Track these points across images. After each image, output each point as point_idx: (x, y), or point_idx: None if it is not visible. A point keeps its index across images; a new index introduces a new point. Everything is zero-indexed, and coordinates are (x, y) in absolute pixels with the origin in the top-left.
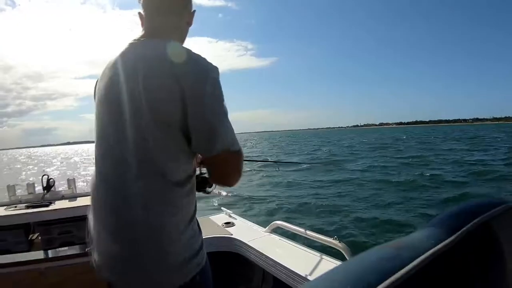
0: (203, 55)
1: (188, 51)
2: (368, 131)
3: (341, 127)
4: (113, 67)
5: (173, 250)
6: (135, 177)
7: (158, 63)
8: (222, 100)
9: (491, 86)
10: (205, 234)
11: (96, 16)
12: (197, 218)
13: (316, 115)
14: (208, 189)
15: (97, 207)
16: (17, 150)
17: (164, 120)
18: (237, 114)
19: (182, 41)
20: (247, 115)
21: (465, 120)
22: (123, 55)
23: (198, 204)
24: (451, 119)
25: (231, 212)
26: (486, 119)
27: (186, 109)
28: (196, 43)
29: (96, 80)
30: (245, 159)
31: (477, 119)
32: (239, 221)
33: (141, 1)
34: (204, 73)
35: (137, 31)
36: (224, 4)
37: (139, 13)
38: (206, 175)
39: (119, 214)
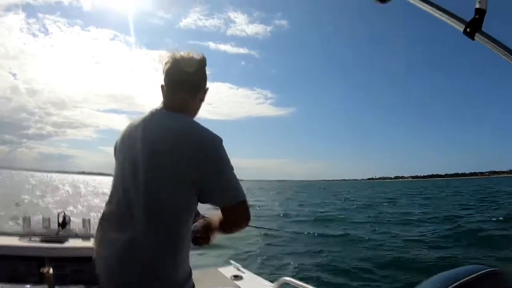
0: (224, 101)
1: (199, 126)
2: (381, 184)
3: (356, 179)
4: (135, 132)
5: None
6: (146, 233)
7: (175, 135)
8: (229, 162)
9: (506, 137)
10: (213, 286)
11: (123, 53)
12: (205, 269)
13: (331, 167)
14: (203, 243)
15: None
16: (32, 172)
17: (178, 184)
18: (251, 161)
19: (195, 114)
20: (261, 163)
21: (481, 173)
22: (144, 122)
23: (207, 257)
24: (467, 172)
25: (240, 265)
26: (503, 172)
27: (200, 174)
28: (218, 89)
29: (117, 140)
30: (250, 225)
31: (494, 172)
32: (248, 275)
33: (164, 77)
34: (212, 144)
35: (159, 102)
36: (247, 52)
37: (162, 85)
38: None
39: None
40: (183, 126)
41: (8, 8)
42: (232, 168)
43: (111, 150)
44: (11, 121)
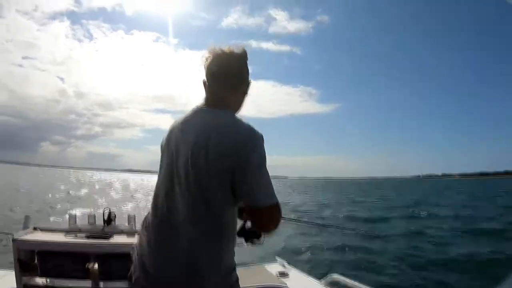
0: (268, 99)
1: (240, 122)
2: (426, 183)
3: (403, 176)
4: (178, 130)
5: (216, 279)
6: (190, 218)
7: (216, 132)
8: (265, 163)
9: None
10: (258, 283)
11: (166, 54)
12: (251, 266)
13: (376, 163)
14: (256, 241)
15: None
16: (82, 171)
17: (219, 179)
18: (296, 158)
19: (238, 109)
20: (306, 160)
21: None
22: (188, 120)
23: (252, 252)
24: None
25: (286, 261)
26: None
27: (237, 171)
28: (262, 87)
29: (163, 138)
30: (285, 217)
31: None
32: (294, 272)
33: (206, 72)
34: (253, 142)
35: (201, 98)
36: (289, 49)
37: (204, 81)
38: (253, 228)
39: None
40: (223, 122)
41: (53, 17)
42: (267, 170)
43: (156, 148)
44: (60, 123)
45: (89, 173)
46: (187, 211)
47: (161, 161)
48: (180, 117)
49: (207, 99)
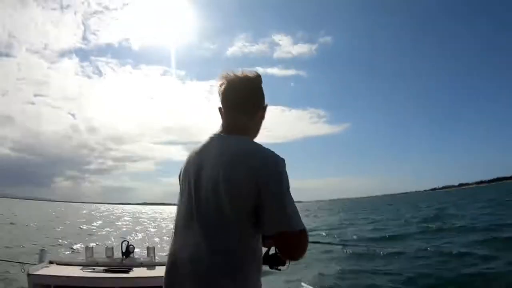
0: (278, 124)
1: (260, 148)
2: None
3: (418, 191)
4: (195, 158)
5: None
6: (210, 254)
7: (235, 159)
8: (289, 188)
9: None
10: None
11: (175, 86)
12: None
13: (391, 180)
14: (281, 267)
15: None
16: (97, 205)
17: (240, 208)
18: (310, 181)
19: (256, 134)
20: (320, 182)
21: None
22: (205, 148)
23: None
24: None
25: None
26: None
27: (258, 197)
28: (271, 112)
29: (181, 168)
30: (312, 241)
31: None
32: None
33: (221, 99)
34: (274, 168)
35: (217, 126)
36: (295, 73)
37: (219, 108)
38: (278, 253)
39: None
40: (242, 148)
41: (62, 54)
42: (291, 194)
43: (169, 180)
44: (73, 158)
45: (103, 207)
46: (207, 245)
47: (180, 193)
48: (197, 146)
49: (224, 126)
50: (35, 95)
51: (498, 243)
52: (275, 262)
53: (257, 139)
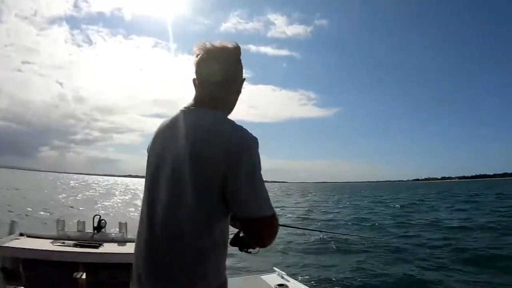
0: (267, 103)
1: (233, 124)
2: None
3: (402, 180)
4: (165, 132)
5: None
6: (173, 232)
7: (206, 136)
8: (260, 169)
9: None
10: None
11: (165, 59)
12: (248, 277)
13: (376, 168)
14: (251, 250)
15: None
16: (82, 176)
17: (207, 187)
18: (296, 163)
19: (231, 110)
20: (306, 165)
21: None
22: (175, 122)
23: (249, 263)
24: None
25: (284, 273)
26: None
27: (227, 178)
28: (261, 91)
29: (149, 143)
30: (282, 224)
31: None
32: (293, 283)
33: (195, 69)
34: (245, 146)
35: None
36: (288, 53)
37: (193, 79)
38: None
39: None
40: (212, 124)
41: (52, 21)
42: (261, 177)
43: None
44: (60, 128)
45: (87, 178)
46: (166, 219)
47: (147, 167)
48: (166, 119)
49: (197, 98)
50: (23, 62)
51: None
52: (245, 245)
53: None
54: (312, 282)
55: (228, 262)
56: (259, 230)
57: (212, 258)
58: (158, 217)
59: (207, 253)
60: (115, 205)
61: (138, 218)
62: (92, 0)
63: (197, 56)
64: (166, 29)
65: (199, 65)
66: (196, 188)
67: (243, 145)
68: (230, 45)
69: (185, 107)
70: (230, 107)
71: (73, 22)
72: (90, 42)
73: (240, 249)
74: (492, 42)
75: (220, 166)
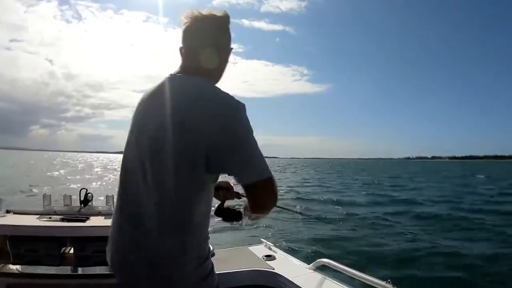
0: (260, 78)
1: (218, 91)
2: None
3: (393, 158)
4: (151, 99)
5: (181, 272)
6: (155, 203)
7: (192, 101)
8: (251, 132)
9: None
10: (244, 266)
11: (157, 34)
12: (235, 248)
13: (367, 145)
14: (235, 222)
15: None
16: (74, 153)
17: (191, 155)
18: (288, 139)
19: (218, 79)
20: (298, 141)
21: None
22: (160, 89)
23: (238, 233)
24: (507, 154)
25: (272, 244)
26: None
27: (214, 146)
28: (254, 66)
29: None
30: (278, 206)
31: None
32: (280, 254)
33: (182, 38)
34: (233, 112)
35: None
36: (282, 28)
37: (180, 48)
38: (239, 208)
39: (135, 235)
40: (198, 90)
41: None
42: (254, 140)
43: None
44: (50, 105)
45: (79, 155)
46: (148, 192)
47: (128, 138)
48: (151, 86)
49: (183, 67)
50: (11, 40)
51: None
52: (231, 216)
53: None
54: (299, 253)
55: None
56: (263, 193)
57: (194, 229)
58: (138, 189)
59: (188, 223)
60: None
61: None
62: None
63: (184, 24)
64: (157, 3)
65: (186, 33)
66: (180, 157)
67: (235, 110)
68: (218, 13)
69: (170, 74)
70: (217, 76)
71: None
72: (79, 17)
73: (224, 220)
74: (489, 23)
75: (206, 134)
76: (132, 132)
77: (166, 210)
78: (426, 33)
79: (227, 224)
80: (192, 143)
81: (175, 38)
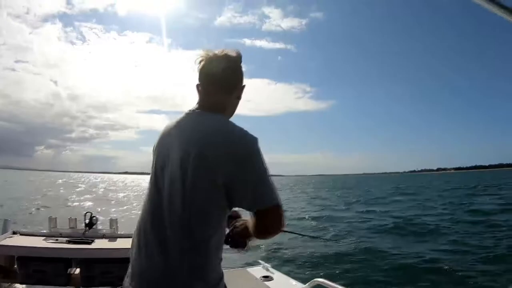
0: (263, 97)
1: (234, 126)
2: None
3: (398, 172)
4: (169, 133)
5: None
6: (175, 233)
7: (211, 136)
8: (264, 164)
9: None
10: (243, 287)
11: (160, 54)
12: (234, 270)
13: (374, 160)
14: (241, 249)
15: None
16: (78, 174)
17: (210, 185)
18: (292, 156)
19: (232, 113)
20: (302, 158)
21: None
22: (180, 124)
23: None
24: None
25: (269, 265)
26: None
27: (233, 175)
28: (256, 85)
29: (155, 143)
30: (287, 230)
31: None
32: (278, 275)
33: (199, 76)
34: (248, 146)
35: (194, 102)
36: (283, 46)
37: (197, 85)
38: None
39: (153, 258)
40: (215, 126)
41: (45, 19)
42: (266, 170)
43: (151, 149)
44: (54, 126)
45: (84, 176)
46: (171, 218)
47: (152, 166)
48: (173, 120)
49: (200, 103)
50: (16, 61)
51: None
52: (236, 243)
53: (238, 111)
54: (296, 273)
55: None
56: (267, 220)
57: (211, 251)
58: (164, 214)
59: (210, 249)
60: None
61: (122, 215)
62: None
63: (200, 63)
64: (160, 24)
65: (201, 73)
66: (201, 187)
67: (249, 143)
68: (231, 53)
69: (190, 110)
70: (231, 111)
71: (66, 19)
72: (83, 39)
73: (231, 247)
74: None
75: (222, 163)
76: (156, 164)
77: (185, 232)
78: (429, 48)
79: (233, 250)
80: (210, 169)
81: (178, 58)
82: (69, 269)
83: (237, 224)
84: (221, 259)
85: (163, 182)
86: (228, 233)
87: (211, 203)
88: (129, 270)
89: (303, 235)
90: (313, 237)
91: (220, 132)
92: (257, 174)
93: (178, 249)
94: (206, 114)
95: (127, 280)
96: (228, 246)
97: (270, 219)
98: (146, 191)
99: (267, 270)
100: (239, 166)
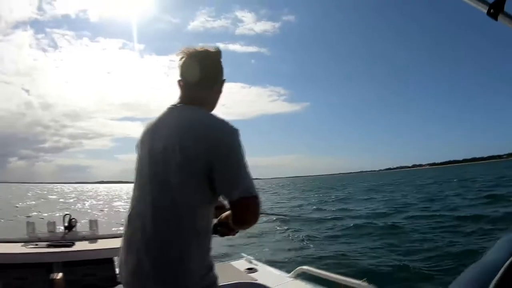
0: (237, 101)
1: (216, 118)
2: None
3: (374, 170)
4: (151, 128)
5: (187, 278)
6: (161, 226)
7: (191, 128)
8: (243, 155)
9: None
10: (228, 280)
11: (133, 61)
12: (218, 264)
13: (349, 160)
14: (232, 235)
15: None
16: (52, 185)
17: (193, 175)
18: (268, 159)
19: (213, 107)
20: (279, 160)
21: (499, 156)
22: (162, 118)
23: (219, 250)
24: (485, 156)
25: (252, 258)
26: None
27: (212, 166)
28: (230, 89)
29: (138, 139)
30: (262, 212)
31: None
32: (261, 267)
33: (180, 72)
34: (227, 134)
35: (176, 96)
36: (257, 50)
37: (178, 81)
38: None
39: (142, 252)
40: (196, 119)
41: (16, 26)
42: (246, 163)
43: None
44: (27, 136)
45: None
46: (157, 210)
47: (136, 161)
48: (154, 116)
49: (182, 98)
50: None
51: None
52: (225, 233)
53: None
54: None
55: None
56: (247, 210)
57: (200, 241)
58: (149, 207)
59: (196, 239)
60: None
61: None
62: (56, 2)
63: (180, 59)
64: (132, 29)
65: (183, 68)
66: (184, 177)
67: (229, 134)
68: (210, 49)
69: (171, 105)
70: (212, 105)
71: (37, 26)
72: (55, 46)
73: (220, 235)
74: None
75: (205, 155)
76: (140, 159)
77: (172, 224)
78: (400, 48)
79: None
80: (193, 161)
81: (152, 65)
82: (51, 274)
83: (223, 215)
84: (209, 249)
85: (147, 176)
86: (216, 224)
87: (195, 194)
88: (121, 263)
89: (285, 216)
90: (292, 216)
91: (201, 124)
92: (236, 165)
93: (165, 241)
94: (188, 108)
95: (121, 275)
96: (217, 236)
97: (247, 209)
98: (133, 186)
99: (250, 262)
100: (220, 157)
